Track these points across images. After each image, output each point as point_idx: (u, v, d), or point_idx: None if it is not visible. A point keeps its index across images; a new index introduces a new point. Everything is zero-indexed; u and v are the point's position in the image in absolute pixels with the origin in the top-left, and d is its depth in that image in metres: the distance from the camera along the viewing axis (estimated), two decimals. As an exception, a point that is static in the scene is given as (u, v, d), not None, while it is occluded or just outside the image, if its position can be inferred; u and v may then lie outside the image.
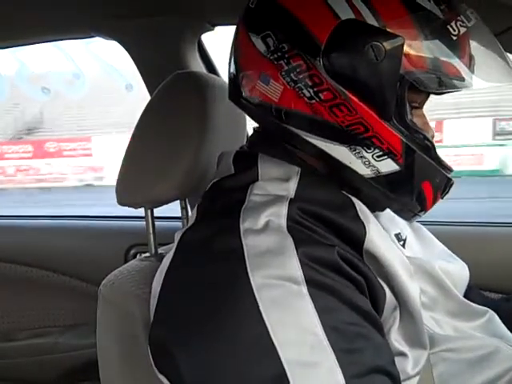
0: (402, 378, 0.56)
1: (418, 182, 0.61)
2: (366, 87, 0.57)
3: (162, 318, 0.58)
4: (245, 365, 0.49)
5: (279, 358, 0.47)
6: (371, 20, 0.56)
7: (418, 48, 0.56)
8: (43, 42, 1.34)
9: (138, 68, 1.25)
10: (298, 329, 0.49)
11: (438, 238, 0.82)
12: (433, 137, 0.65)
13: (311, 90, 0.58)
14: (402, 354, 0.60)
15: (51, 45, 1.47)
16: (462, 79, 0.59)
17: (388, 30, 0.56)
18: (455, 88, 0.60)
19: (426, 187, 0.62)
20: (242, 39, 0.63)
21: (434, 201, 0.64)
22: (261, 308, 0.50)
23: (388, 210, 0.72)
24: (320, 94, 0.57)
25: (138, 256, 1.32)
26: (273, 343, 0.48)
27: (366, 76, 0.56)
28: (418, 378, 0.61)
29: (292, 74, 0.58)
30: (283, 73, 0.58)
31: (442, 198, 0.65)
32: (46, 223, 1.62)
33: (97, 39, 1.24)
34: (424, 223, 0.83)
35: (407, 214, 0.65)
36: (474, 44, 0.60)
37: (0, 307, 1.51)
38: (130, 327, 0.69)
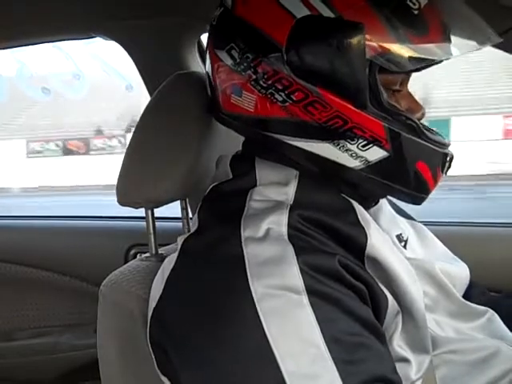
0: (404, 383, 0.55)
1: (411, 163, 0.60)
2: (335, 80, 0.56)
3: (163, 324, 0.58)
4: (245, 375, 0.49)
5: (280, 370, 0.47)
6: (327, 13, 0.55)
7: (380, 30, 0.55)
8: (43, 43, 1.34)
9: (138, 68, 1.25)
10: (299, 340, 0.49)
11: (438, 239, 0.81)
12: (423, 115, 0.63)
13: (282, 94, 0.57)
14: (405, 360, 0.60)
15: (51, 45, 1.46)
16: (434, 52, 0.58)
17: (345, 18, 0.55)
18: (429, 62, 0.59)
19: (421, 167, 0.61)
20: (211, 57, 0.64)
21: (435, 179, 0.62)
22: (261, 318, 0.49)
23: (389, 211, 0.72)
24: (292, 96, 0.57)
25: (138, 256, 1.32)
26: (273, 354, 0.48)
27: (332, 69, 0.55)
28: (420, 381, 0.61)
29: (261, 82, 0.58)
30: (253, 82, 0.59)
31: (446, 175, 0.64)
32: (47, 223, 1.62)
33: (97, 39, 1.24)
34: (425, 223, 0.83)
35: (410, 198, 0.64)
36: (442, 13, 0.58)
37: (0, 307, 1.51)
38: (131, 327, 0.69)
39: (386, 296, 0.59)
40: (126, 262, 1.30)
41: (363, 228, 0.60)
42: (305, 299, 0.50)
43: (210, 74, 0.65)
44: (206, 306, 0.54)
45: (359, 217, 0.61)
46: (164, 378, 0.59)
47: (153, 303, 0.60)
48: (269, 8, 0.57)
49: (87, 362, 1.37)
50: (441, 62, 0.59)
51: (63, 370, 1.44)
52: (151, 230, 0.80)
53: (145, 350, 0.62)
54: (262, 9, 0.58)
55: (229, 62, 0.60)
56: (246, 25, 0.58)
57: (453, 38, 0.58)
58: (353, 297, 0.54)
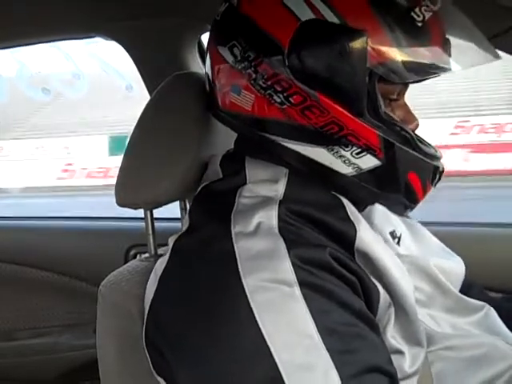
0: (399, 376, 0.56)
1: (402, 174, 0.61)
2: (334, 86, 0.56)
3: (158, 324, 0.59)
4: (240, 368, 0.49)
5: (274, 361, 0.47)
6: (331, 18, 0.55)
7: (383, 40, 0.55)
8: (43, 42, 1.34)
9: (138, 68, 1.25)
10: (293, 331, 0.49)
11: (437, 238, 0.82)
12: (417, 126, 0.64)
13: (281, 95, 0.58)
14: (399, 352, 0.60)
15: (51, 45, 1.47)
16: (435, 65, 0.58)
17: (349, 25, 0.55)
18: (429, 75, 0.59)
19: (412, 178, 0.61)
20: (212, 53, 0.64)
21: (425, 191, 0.63)
22: (255, 311, 0.49)
23: (382, 208, 0.72)
24: (290, 99, 0.57)
25: (137, 257, 1.32)
26: (267, 346, 0.48)
27: (332, 75, 0.56)
28: (417, 377, 0.61)
29: (260, 82, 0.58)
30: (252, 81, 0.59)
31: (435, 187, 0.64)
32: (46, 224, 1.62)
33: (97, 39, 1.25)
34: (424, 223, 0.83)
35: (399, 207, 0.65)
36: (445, 27, 0.58)
37: (0, 307, 1.51)
38: (130, 327, 0.69)
39: (377, 289, 0.59)
40: (125, 262, 1.30)
41: (352, 223, 0.61)
42: (297, 291, 0.51)
43: (210, 70, 0.65)
44: (200, 304, 0.54)
45: (349, 213, 0.62)
46: (160, 379, 0.59)
47: (147, 304, 0.61)
48: (274, 8, 0.57)
49: (86, 362, 1.37)
50: (440, 74, 0.60)
51: (63, 370, 1.44)
52: (150, 231, 0.80)
53: (144, 351, 0.62)
54: (266, 9, 0.58)
55: (230, 59, 0.60)
56: (249, 23, 0.58)
57: (454, 52, 0.59)
58: (345, 288, 0.54)
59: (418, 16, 0.55)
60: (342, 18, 0.55)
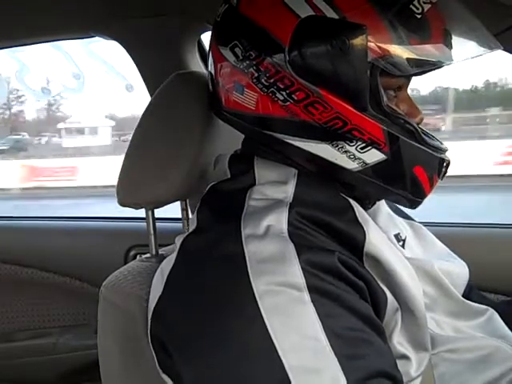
0: (405, 380, 0.56)
1: (408, 167, 0.61)
2: (336, 81, 0.56)
3: (164, 323, 0.58)
4: (247, 371, 0.49)
5: (282, 365, 0.47)
6: (331, 13, 0.55)
7: (383, 33, 0.55)
8: (43, 42, 1.34)
9: (138, 68, 1.24)
10: (301, 335, 0.49)
11: (438, 239, 0.81)
12: (421, 120, 0.64)
13: (284, 93, 0.58)
14: (405, 357, 0.60)
15: (51, 45, 1.46)
16: (436, 57, 0.58)
17: (349, 20, 0.55)
18: (431, 67, 0.59)
19: (418, 172, 0.61)
20: (214, 53, 0.64)
21: (431, 184, 0.63)
22: (263, 314, 0.49)
23: (386, 211, 0.72)
24: (293, 95, 0.57)
25: (138, 257, 1.32)
26: (276, 349, 0.48)
27: (333, 70, 0.56)
28: (420, 379, 0.61)
29: (263, 80, 0.58)
30: (254, 80, 0.59)
31: (442, 180, 0.64)
32: (46, 224, 1.62)
33: (97, 39, 1.24)
34: (425, 224, 0.83)
35: (406, 202, 0.64)
36: (445, 18, 0.58)
37: (0, 308, 1.50)
38: (131, 328, 0.69)
39: (385, 293, 0.59)
40: (125, 262, 1.30)
41: (362, 226, 0.61)
42: (306, 296, 0.50)
43: (213, 70, 0.65)
44: (208, 303, 0.54)
45: (358, 215, 0.62)
46: (166, 377, 0.59)
47: (152, 303, 0.60)
48: (273, 7, 0.57)
49: (87, 362, 1.37)
50: (441, 66, 0.60)
51: (63, 370, 1.43)
52: (151, 231, 0.80)
53: (145, 351, 0.62)
54: (266, 8, 0.58)
55: (232, 59, 0.60)
56: (250, 23, 0.59)
57: (454, 43, 0.59)
58: (353, 293, 0.54)
59: (417, 8, 0.55)
60: (341, 13, 0.55)
